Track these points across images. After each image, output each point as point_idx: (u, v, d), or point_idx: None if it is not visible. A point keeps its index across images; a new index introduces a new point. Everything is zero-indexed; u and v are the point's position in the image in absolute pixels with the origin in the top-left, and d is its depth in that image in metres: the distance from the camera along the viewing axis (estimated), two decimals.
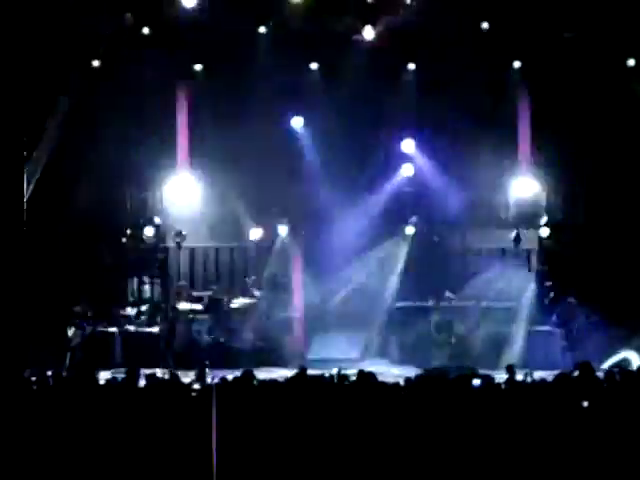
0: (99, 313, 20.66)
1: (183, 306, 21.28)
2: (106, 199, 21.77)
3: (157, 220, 22.18)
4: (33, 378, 12.75)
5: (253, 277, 22.09)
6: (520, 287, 21.45)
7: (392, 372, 18.43)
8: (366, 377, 11.71)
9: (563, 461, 8.36)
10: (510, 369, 13.06)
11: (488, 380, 10.44)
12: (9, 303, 13.74)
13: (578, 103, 21.33)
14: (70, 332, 19.81)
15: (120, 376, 12.79)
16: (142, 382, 12.32)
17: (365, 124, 21.51)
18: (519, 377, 12.87)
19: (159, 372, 15.75)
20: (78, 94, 20.80)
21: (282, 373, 16.53)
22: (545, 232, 22.17)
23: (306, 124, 22.07)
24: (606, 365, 18.46)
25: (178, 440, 8.71)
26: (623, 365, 17.94)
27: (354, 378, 12.18)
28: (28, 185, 19.04)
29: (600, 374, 11.90)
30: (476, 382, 10.49)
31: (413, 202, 22.50)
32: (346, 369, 14.29)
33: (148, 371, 14.00)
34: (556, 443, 8.55)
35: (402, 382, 12.26)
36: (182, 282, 22.11)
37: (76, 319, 20.14)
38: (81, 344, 19.89)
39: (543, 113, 21.65)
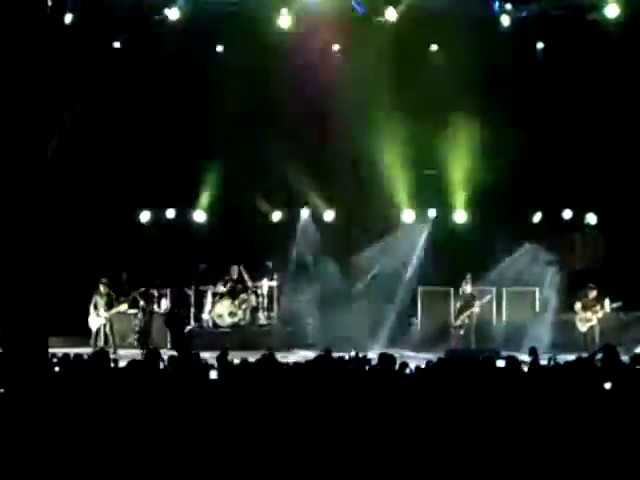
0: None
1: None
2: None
3: None
4: (55, 359, 12.80)
5: (273, 260, 21.96)
6: (541, 272, 21.38)
7: (413, 355, 18.42)
8: (387, 360, 11.65)
9: (584, 445, 8.28)
10: (533, 351, 13.01)
11: (512, 361, 10.36)
12: (33, 282, 13.77)
13: (598, 87, 21.14)
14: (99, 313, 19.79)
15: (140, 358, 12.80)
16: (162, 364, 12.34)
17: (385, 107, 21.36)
18: (543, 362, 12.80)
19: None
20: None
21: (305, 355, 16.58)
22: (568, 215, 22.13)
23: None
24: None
25: (197, 422, 8.67)
26: None
27: (375, 361, 12.15)
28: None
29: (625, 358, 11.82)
30: (500, 363, 10.43)
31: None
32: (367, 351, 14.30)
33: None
34: (578, 425, 8.47)
35: (423, 365, 12.25)
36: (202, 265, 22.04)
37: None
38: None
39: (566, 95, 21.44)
